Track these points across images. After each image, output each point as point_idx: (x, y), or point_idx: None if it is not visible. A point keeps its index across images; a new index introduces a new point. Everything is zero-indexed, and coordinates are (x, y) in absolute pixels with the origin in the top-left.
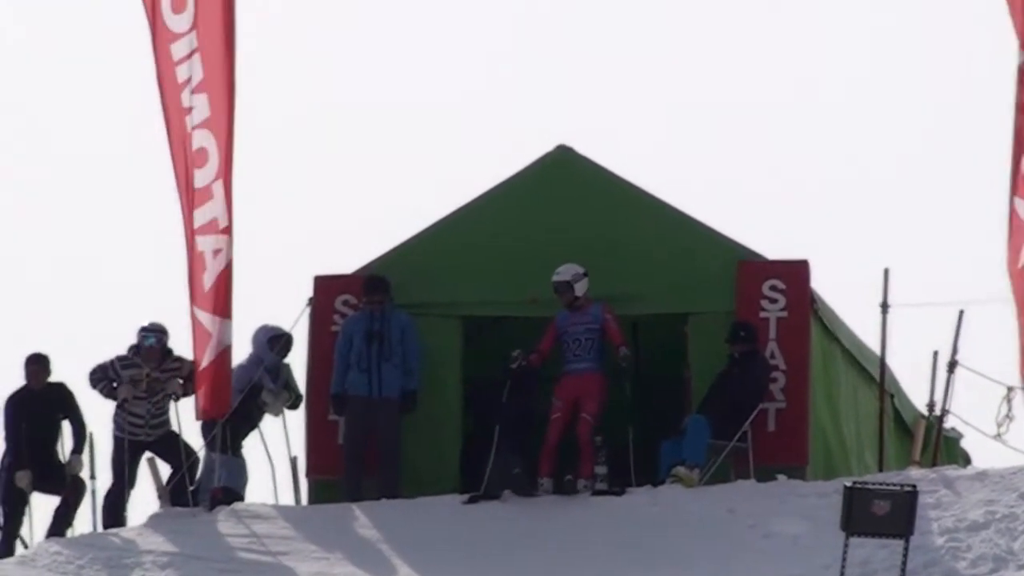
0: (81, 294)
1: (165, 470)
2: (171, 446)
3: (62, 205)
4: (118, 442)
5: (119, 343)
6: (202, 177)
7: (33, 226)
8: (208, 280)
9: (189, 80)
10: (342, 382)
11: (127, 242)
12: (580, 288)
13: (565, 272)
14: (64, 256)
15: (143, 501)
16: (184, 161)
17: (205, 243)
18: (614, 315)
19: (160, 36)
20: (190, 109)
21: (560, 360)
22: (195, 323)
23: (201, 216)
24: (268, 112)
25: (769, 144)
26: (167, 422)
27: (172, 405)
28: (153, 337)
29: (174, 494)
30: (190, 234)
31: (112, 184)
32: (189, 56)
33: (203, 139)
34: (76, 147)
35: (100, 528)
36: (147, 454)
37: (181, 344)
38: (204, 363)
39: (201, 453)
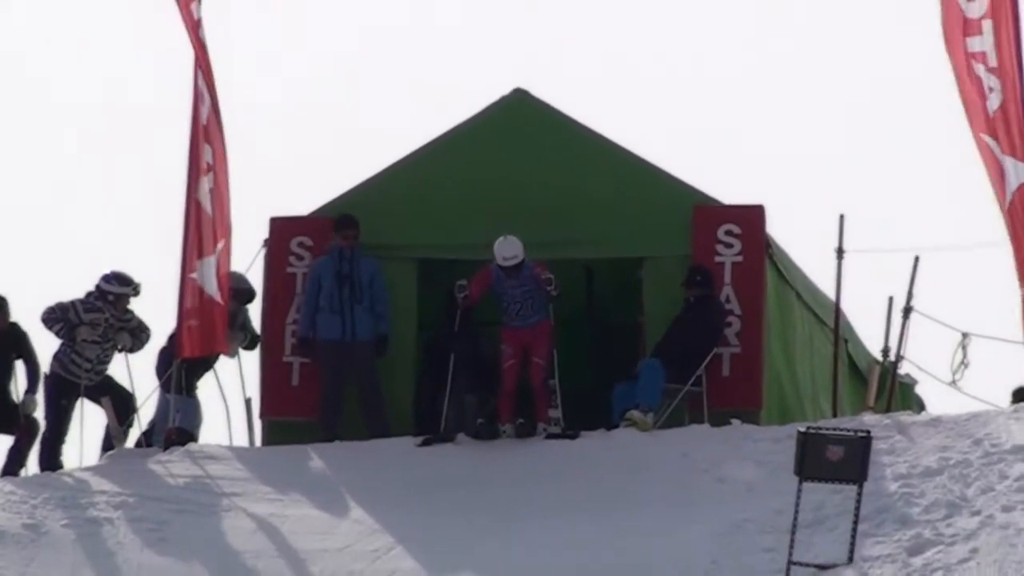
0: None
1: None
2: (110, 387)
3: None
4: (58, 380)
5: (73, 287)
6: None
7: None
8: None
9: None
10: (311, 325)
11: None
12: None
13: (517, 251)
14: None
15: (85, 441)
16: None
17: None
18: (544, 268)
19: None
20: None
21: (504, 317)
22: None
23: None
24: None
25: (725, 90)
26: (107, 369)
27: (118, 355)
28: (132, 287)
29: (112, 437)
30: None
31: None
32: None
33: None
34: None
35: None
36: (105, 398)
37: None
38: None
39: (142, 396)
